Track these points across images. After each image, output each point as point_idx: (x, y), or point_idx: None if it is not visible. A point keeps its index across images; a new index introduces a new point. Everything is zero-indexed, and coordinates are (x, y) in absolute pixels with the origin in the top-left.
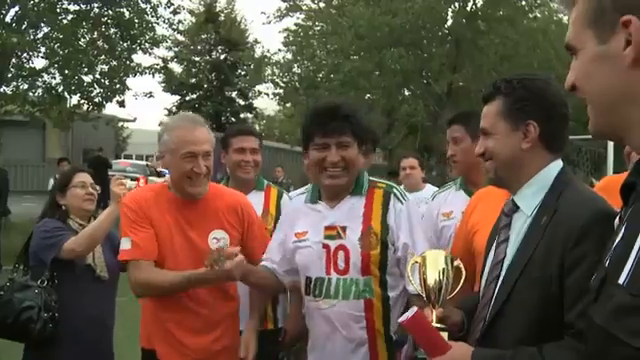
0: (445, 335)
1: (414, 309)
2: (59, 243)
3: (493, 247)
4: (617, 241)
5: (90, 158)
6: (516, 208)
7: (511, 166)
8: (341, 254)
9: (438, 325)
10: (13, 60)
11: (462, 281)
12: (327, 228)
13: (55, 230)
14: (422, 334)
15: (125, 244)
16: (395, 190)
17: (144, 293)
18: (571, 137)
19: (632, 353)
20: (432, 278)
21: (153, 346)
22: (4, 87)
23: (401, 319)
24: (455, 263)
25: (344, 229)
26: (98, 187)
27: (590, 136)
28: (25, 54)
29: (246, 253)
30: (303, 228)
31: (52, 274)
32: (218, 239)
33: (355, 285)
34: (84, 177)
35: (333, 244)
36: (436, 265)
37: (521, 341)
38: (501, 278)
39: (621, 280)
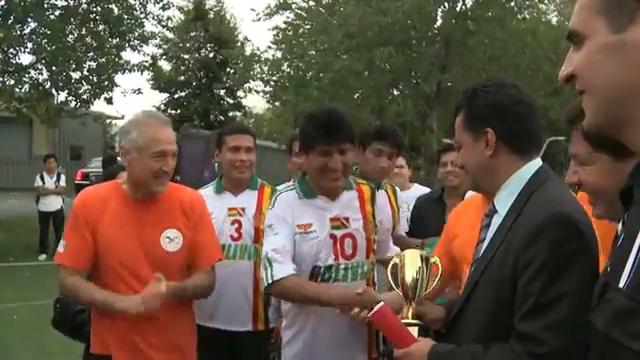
0: (415, 330)
1: (381, 304)
2: None
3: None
4: (617, 245)
5: (106, 158)
6: (495, 209)
7: (482, 174)
8: (348, 241)
9: (413, 321)
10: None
11: (437, 279)
12: (332, 220)
13: None
14: (389, 328)
15: (61, 247)
16: (375, 189)
17: (72, 298)
18: (558, 138)
19: (635, 358)
20: (409, 276)
21: (109, 351)
22: None
23: (369, 314)
24: (432, 260)
25: (347, 219)
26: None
27: None
28: (12, 49)
29: (189, 255)
30: (307, 220)
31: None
32: (171, 238)
33: (361, 267)
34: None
35: (339, 233)
36: (413, 264)
37: (476, 340)
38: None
39: (621, 284)
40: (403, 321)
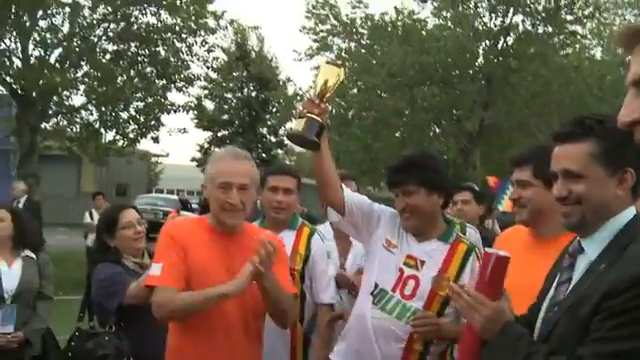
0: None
1: (509, 257)
2: (121, 290)
3: (553, 286)
4: None
5: (201, 202)
6: (581, 250)
7: (599, 211)
8: (411, 282)
9: (315, 117)
10: (54, 98)
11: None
12: (408, 257)
13: (113, 277)
14: (494, 275)
15: (155, 270)
16: (477, 250)
17: (163, 314)
18: None
19: None
20: (321, 79)
21: None
22: (45, 123)
23: (491, 250)
24: (339, 73)
25: (422, 263)
26: (144, 221)
27: None
28: (65, 92)
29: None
30: (394, 241)
31: (119, 318)
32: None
33: (412, 312)
34: (130, 215)
35: (408, 271)
36: (326, 72)
37: None
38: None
39: None
40: (309, 115)
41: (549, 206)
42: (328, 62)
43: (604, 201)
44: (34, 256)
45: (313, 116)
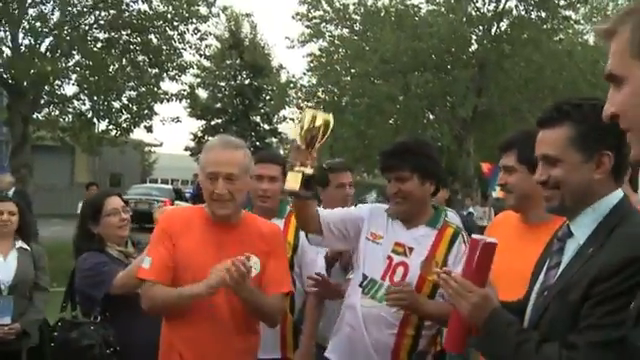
0: (299, 176)
1: (496, 242)
2: (107, 280)
3: (543, 270)
4: None
5: (195, 190)
6: (570, 234)
7: (579, 195)
8: (400, 269)
9: (305, 169)
10: (46, 87)
11: (329, 131)
12: (397, 244)
13: (98, 266)
14: (482, 262)
15: (145, 263)
16: (463, 233)
17: (148, 309)
18: None
19: None
20: (307, 128)
21: None
22: (37, 113)
23: (478, 237)
24: (324, 117)
25: (411, 250)
26: (129, 209)
27: None
28: (57, 81)
29: (257, 282)
30: (380, 232)
31: (104, 308)
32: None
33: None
34: (115, 202)
35: (397, 258)
36: (311, 120)
37: None
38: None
39: None
40: (297, 169)
41: (534, 191)
42: (310, 107)
43: (582, 184)
44: (28, 247)
45: (306, 170)
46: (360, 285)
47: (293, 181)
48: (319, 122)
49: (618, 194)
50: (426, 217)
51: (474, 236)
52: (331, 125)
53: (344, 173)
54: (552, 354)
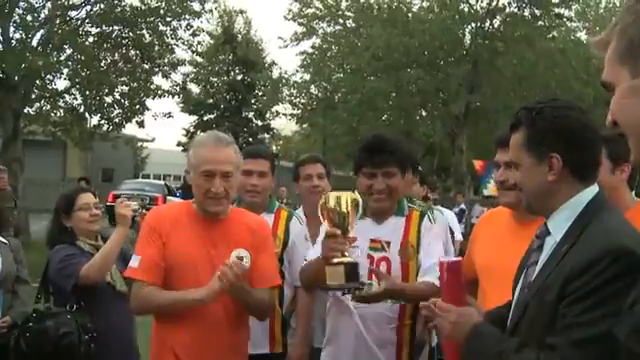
0: (341, 269)
1: (460, 259)
2: (75, 271)
3: (524, 269)
4: None
5: (183, 185)
6: (548, 232)
7: (540, 197)
8: (383, 264)
9: (347, 259)
10: (37, 82)
11: (360, 211)
12: (372, 241)
13: (68, 258)
14: (453, 281)
15: (134, 262)
16: (429, 212)
17: (138, 309)
18: None
19: None
20: (336, 212)
21: None
22: (28, 108)
23: (443, 259)
24: (351, 196)
25: (388, 244)
26: (101, 205)
27: None
28: (49, 76)
29: (247, 277)
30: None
31: (77, 298)
32: (240, 258)
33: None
34: (87, 198)
35: (377, 255)
36: (338, 202)
37: None
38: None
39: None
40: (338, 260)
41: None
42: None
43: (539, 187)
44: (6, 241)
45: (347, 260)
46: (347, 292)
47: (337, 276)
48: (346, 202)
49: (591, 190)
50: (393, 208)
51: (440, 258)
52: (360, 202)
53: (311, 165)
54: (530, 358)
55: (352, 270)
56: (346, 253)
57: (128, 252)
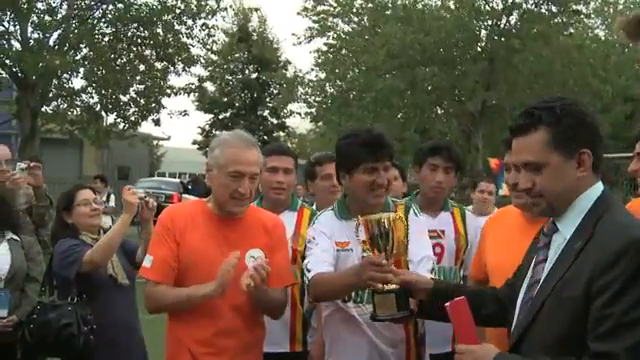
0: (392, 298)
1: (463, 298)
2: (78, 258)
3: (531, 266)
4: None
5: (193, 180)
6: (556, 228)
7: (565, 196)
8: None
9: (392, 286)
10: (54, 81)
11: (405, 232)
12: (364, 242)
13: (72, 248)
14: (461, 320)
15: (147, 262)
16: (413, 205)
17: (151, 308)
18: (610, 155)
19: None
20: (376, 235)
21: None
22: (45, 107)
23: (448, 303)
24: (392, 216)
25: None
26: (102, 200)
27: (630, 154)
28: (65, 75)
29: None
30: (345, 239)
31: (80, 290)
32: (255, 257)
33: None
34: (86, 194)
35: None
36: (380, 224)
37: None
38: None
39: None
40: (387, 288)
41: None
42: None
43: (567, 185)
44: (18, 238)
45: (393, 288)
46: (346, 300)
47: (386, 306)
48: (388, 222)
49: (598, 188)
50: (381, 206)
51: (445, 304)
52: (405, 223)
53: (329, 164)
54: None
55: (402, 297)
56: (394, 284)
57: (128, 244)
